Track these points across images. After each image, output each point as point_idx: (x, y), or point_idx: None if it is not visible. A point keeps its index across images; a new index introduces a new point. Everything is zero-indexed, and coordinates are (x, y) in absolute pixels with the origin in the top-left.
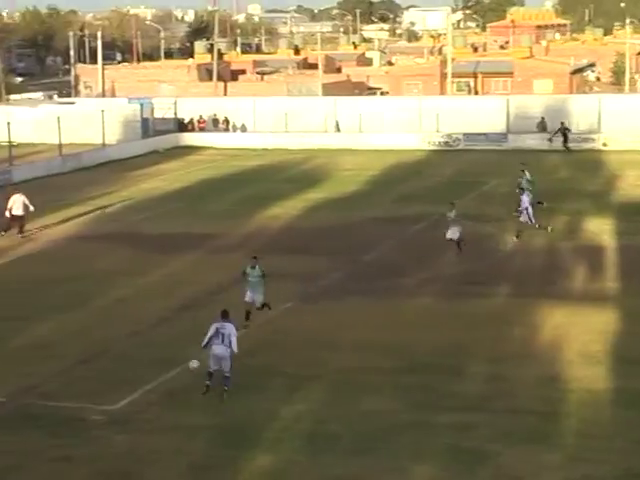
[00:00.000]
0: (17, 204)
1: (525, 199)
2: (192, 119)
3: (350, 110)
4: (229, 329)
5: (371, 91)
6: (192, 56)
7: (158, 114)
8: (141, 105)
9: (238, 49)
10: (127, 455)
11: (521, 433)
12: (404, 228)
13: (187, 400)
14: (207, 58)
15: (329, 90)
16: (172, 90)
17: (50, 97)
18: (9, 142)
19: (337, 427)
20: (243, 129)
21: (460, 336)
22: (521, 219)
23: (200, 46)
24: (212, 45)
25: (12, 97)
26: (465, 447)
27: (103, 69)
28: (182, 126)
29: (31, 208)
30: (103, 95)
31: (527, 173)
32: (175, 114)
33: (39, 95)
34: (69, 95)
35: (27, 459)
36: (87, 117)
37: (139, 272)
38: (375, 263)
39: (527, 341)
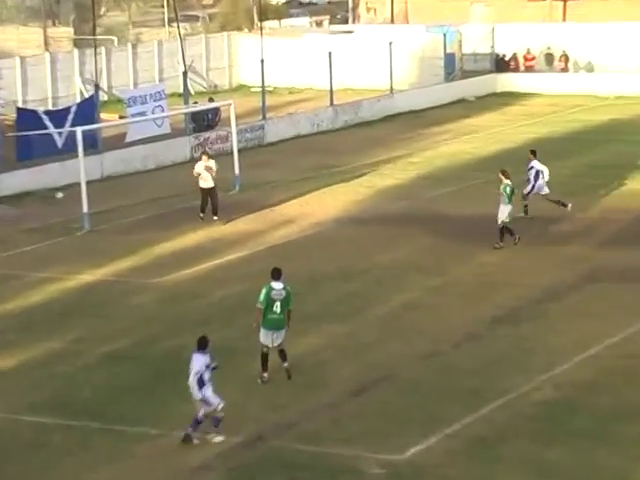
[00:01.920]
0: (204, 173)
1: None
2: (515, 54)
3: None
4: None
5: None
6: None
7: (468, 47)
8: (444, 35)
9: None
10: None
11: None
12: None
13: (502, 451)
14: None
15: None
16: (488, 13)
17: (319, 24)
18: (262, 87)
19: None
20: (589, 68)
21: None
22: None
23: None
24: None
25: (268, 25)
26: None
27: None
28: (501, 64)
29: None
30: (392, 22)
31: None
32: (492, 47)
33: (304, 21)
34: (345, 21)
35: None
36: (369, 52)
37: (436, 268)
38: None
39: None
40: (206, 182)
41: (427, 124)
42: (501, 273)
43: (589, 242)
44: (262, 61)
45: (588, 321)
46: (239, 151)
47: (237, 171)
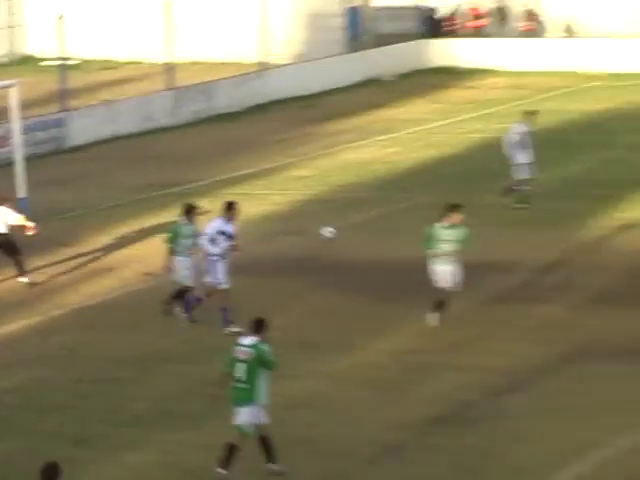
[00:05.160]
0: None
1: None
2: (456, 10)
3: None
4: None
5: None
6: None
7: None
8: None
9: None
10: None
11: None
12: None
13: None
14: None
15: None
16: None
17: None
18: (61, 59)
19: None
20: (568, 32)
21: None
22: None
23: None
24: None
25: None
26: None
27: None
28: (432, 24)
29: (22, 223)
30: None
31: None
32: None
33: None
34: None
35: None
36: (229, 5)
37: (337, 343)
38: None
39: None
40: None
41: (320, 118)
42: (437, 350)
43: (568, 301)
44: (61, 17)
45: (566, 422)
46: (26, 160)
47: (22, 192)
